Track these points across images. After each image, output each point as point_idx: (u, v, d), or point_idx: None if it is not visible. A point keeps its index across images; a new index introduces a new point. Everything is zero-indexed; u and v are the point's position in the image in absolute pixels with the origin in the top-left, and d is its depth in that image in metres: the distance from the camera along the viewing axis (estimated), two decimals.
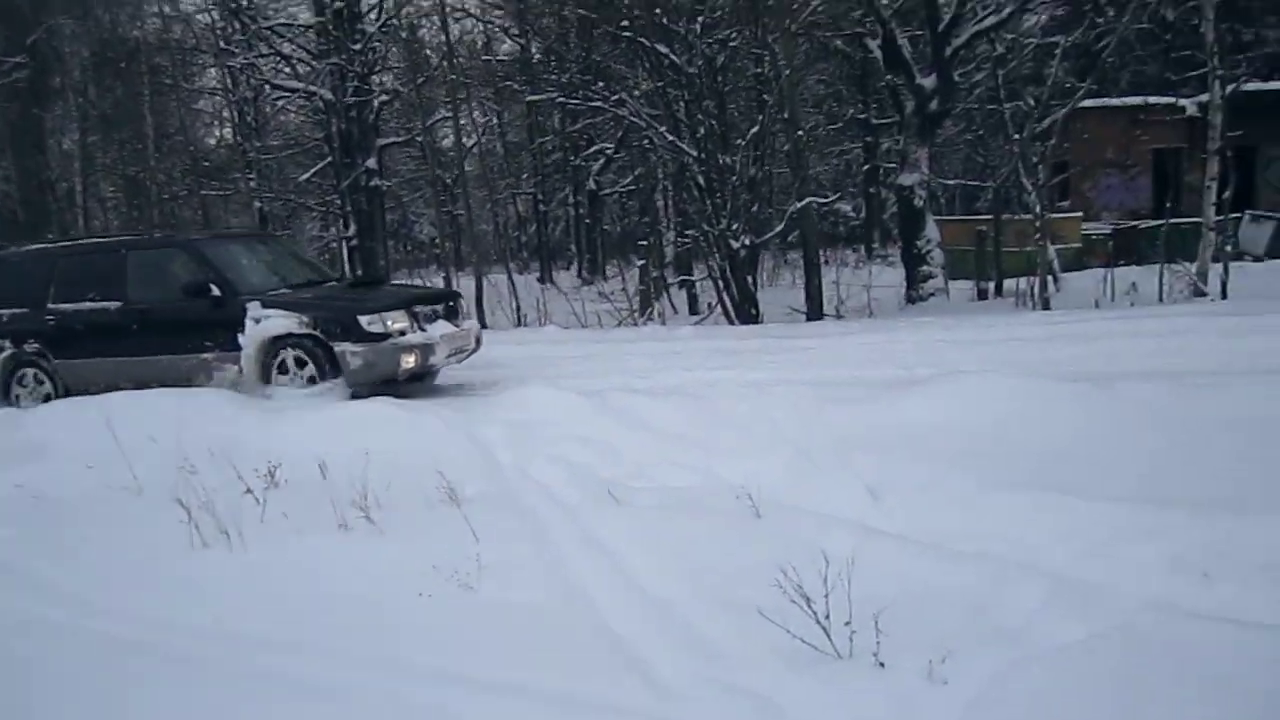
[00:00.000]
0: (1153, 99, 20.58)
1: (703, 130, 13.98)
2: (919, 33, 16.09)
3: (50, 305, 8.95)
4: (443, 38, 20.29)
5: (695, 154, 14.08)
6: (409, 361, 8.10)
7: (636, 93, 15.78)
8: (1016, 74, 17.40)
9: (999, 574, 3.68)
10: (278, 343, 8.19)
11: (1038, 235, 14.03)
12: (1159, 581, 3.59)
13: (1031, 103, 16.18)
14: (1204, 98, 15.48)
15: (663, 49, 13.99)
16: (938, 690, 2.98)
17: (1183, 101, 19.67)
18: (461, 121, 23.13)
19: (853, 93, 27.14)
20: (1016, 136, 15.59)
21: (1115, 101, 20.61)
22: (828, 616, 3.21)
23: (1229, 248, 13.96)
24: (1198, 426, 5.32)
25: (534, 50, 26.82)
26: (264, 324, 8.19)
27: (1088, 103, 17.91)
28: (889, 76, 15.78)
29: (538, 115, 28.09)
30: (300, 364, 8.17)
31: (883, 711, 2.93)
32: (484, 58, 28.17)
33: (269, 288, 8.70)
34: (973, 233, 16.96)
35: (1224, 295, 12.36)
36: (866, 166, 27.79)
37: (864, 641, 3.14)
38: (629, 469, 5.55)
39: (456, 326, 8.90)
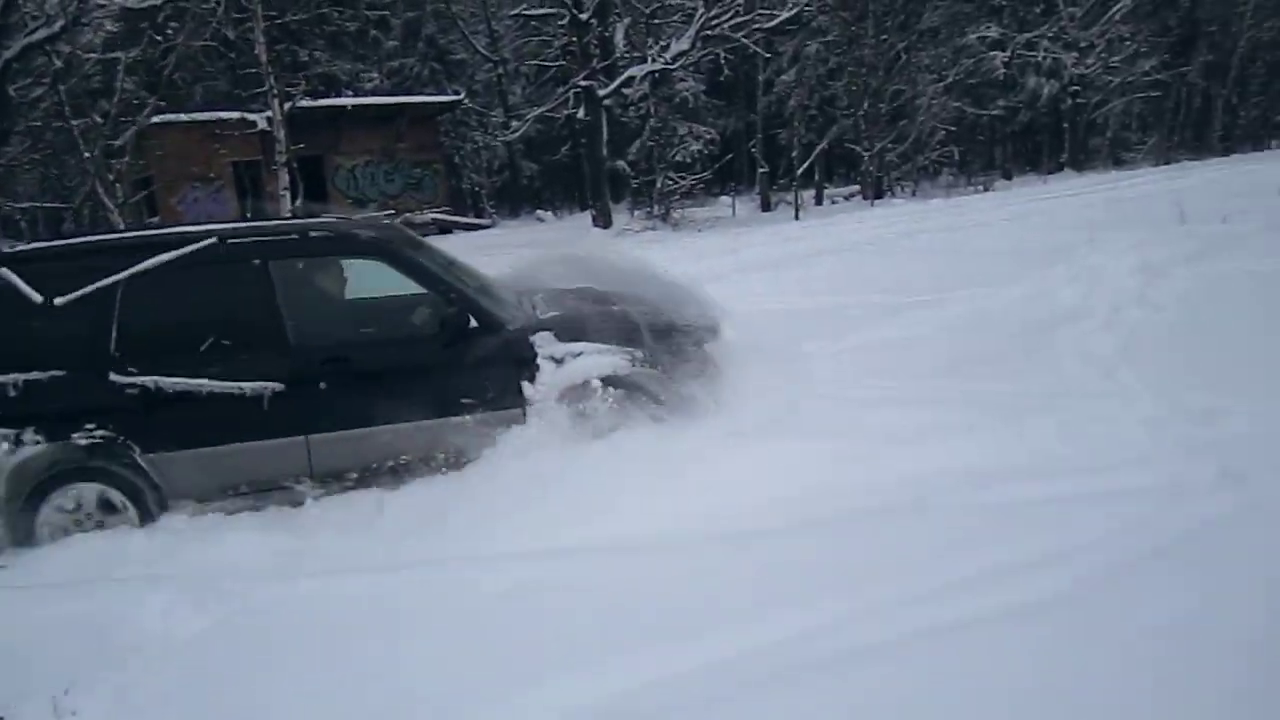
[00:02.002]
0: (226, 114, 22.06)
1: None
2: None
3: (120, 359, 4.94)
4: None
5: None
6: None
7: None
8: (82, 89, 17.23)
9: None
10: (584, 389, 5.37)
11: None
12: None
13: (100, 119, 16.28)
14: (269, 113, 17.18)
15: None
16: None
17: (253, 116, 21.43)
18: None
19: None
20: (88, 155, 15.57)
21: (190, 116, 21.65)
22: None
23: None
24: None
25: None
26: (572, 365, 5.38)
27: (163, 118, 18.57)
28: None
29: None
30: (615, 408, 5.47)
31: None
32: None
33: (512, 306, 5.76)
34: None
35: None
36: None
37: None
38: None
39: None
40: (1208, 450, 4.37)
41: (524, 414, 5.25)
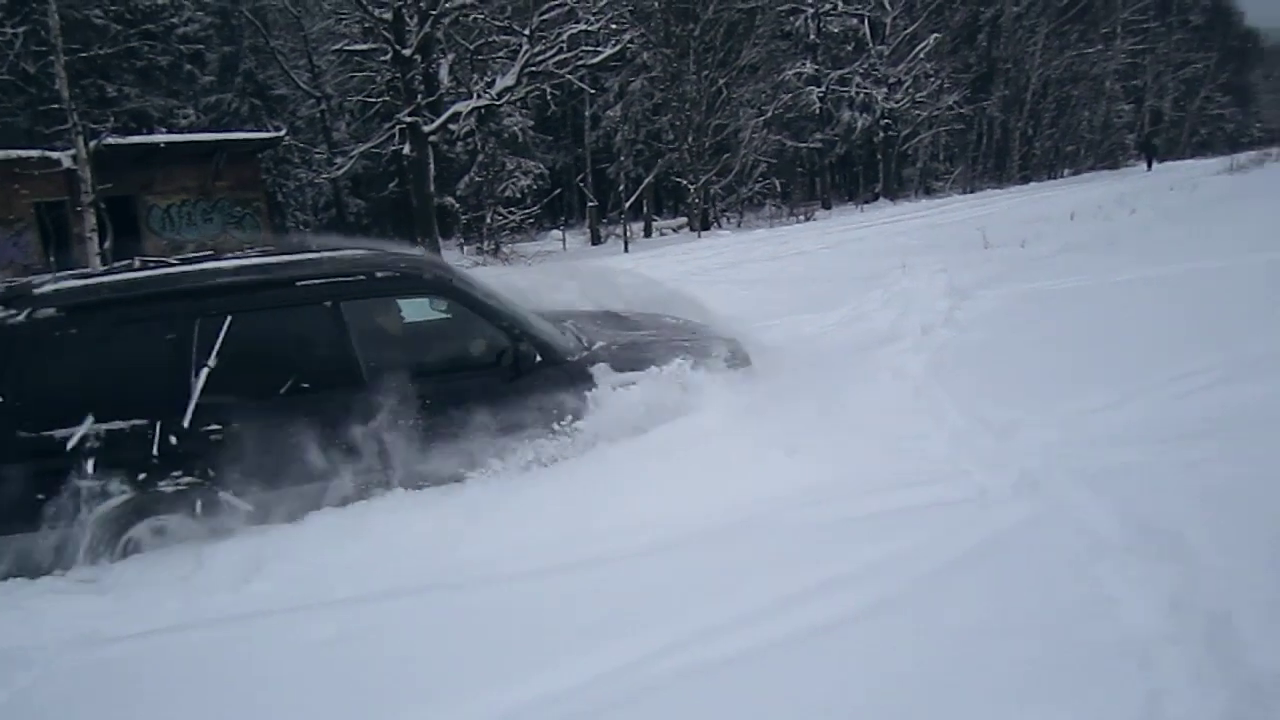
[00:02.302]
0: (26, 152, 20.94)
1: None
2: None
3: (202, 405, 4.70)
4: None
5: None
6: None
7: None
8: None
9: None
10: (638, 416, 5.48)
11: None
12: None
13: None
14: (74, 151, 16.50)
15: None
16: None
17: (57, 155, 20.44)
18: None
19: None
20: None
21: None
22: None
23: None
24: None
25: None
26: (629, 394, 5.42)
27: None
28: None
29: None
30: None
31: None
32: None
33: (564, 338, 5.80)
34: None
35: None
36: None
37: None
38: None
39: None
40: (1008, 461, 4.69)
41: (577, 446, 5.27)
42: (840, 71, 34.89)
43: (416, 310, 5.76)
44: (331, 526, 4.64)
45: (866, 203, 34.81)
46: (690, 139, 28.18)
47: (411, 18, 22.00)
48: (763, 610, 3.46)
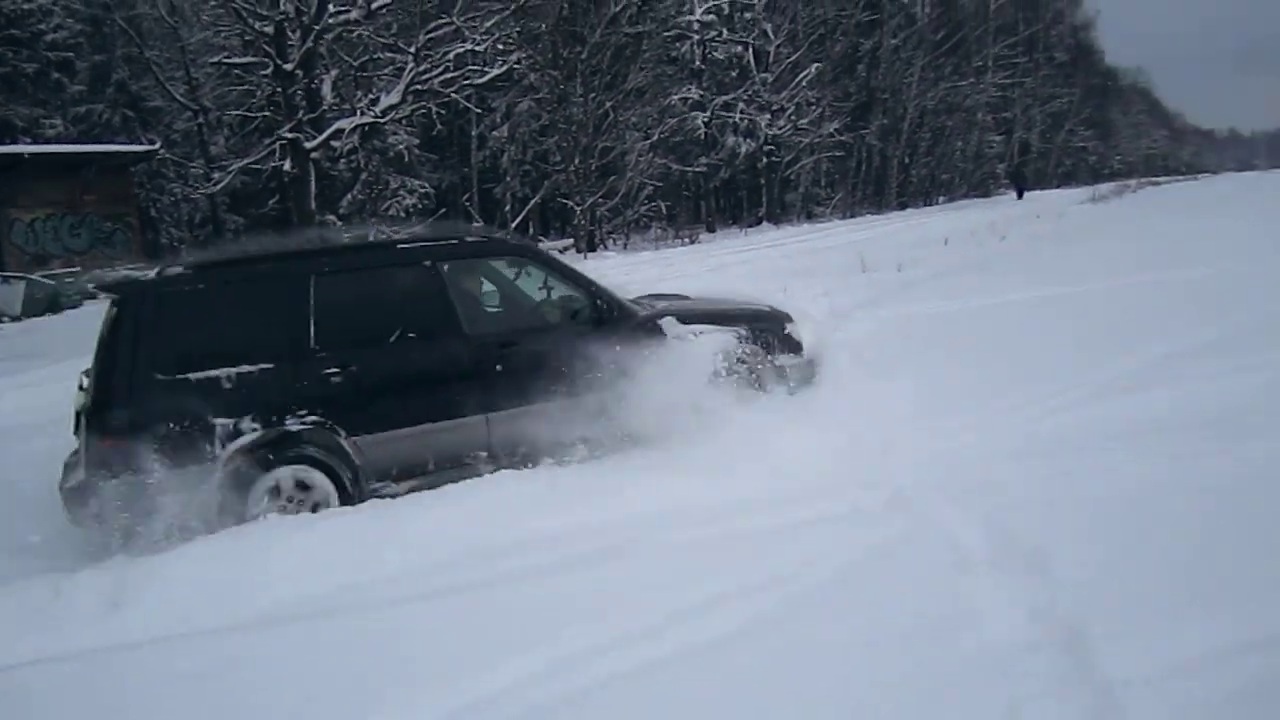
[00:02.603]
0: None
1: None
2: None
3: (320, 352, 5.27)
4: None
5: None
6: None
7: None
8: None
9: None
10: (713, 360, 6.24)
11: None
12: None
13: None
14: None
15: None
16: None
17: None
18: None
19: None
20: None
21: None
22: None
23: None
24: None
25: None
26: (695, 344, 6.21)
27: None
28: None
29: None
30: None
31: None
32: None
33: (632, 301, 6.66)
34: None
35: None
36: None
37: None
38: None
39: None
40: (883, 479, 4.85)
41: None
42: (725, 97, 35.62)
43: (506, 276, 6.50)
44: (205, 552, 4.55)
45: (750, 227, 35.53)
46: (577, 161, 28.38)
47: (294, 32, 21.63)
48: (641, 631, 3.51)
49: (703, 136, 34.97)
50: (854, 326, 9.28)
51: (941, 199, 46.09)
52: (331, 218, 26.03)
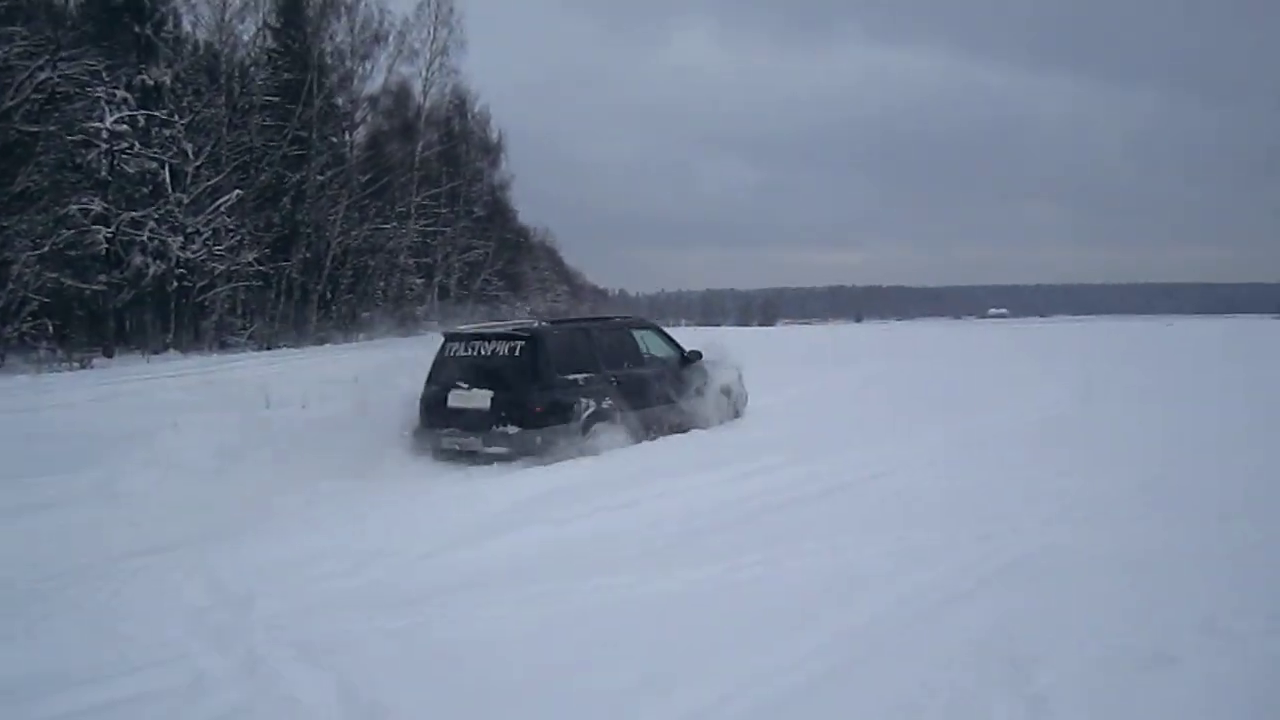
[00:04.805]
0: None
1: None
2: None
3: (606, 371, 12.13)
4: None
5: None
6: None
7: None
8: None
9: None
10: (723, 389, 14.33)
11: None
12: None
13: None
14: None
15: None
16: None
17: None
18: None
19: None
20: None
21: None
22: None
23: None
24: None
25: None
26: (719, 375, 14.15)
27: None
28: None
29: None
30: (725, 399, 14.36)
31: None
32: None
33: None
34: None
35: None
36: None
37: None
38: None
39: None
40: (236, 639, 4.90)
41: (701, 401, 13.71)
42: (134, 214, 33.69)
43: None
44: None
45: (156, 353, 33.61)
46: None
47: None
48: None
49: (105, 253, 32.68)
50: (244, 469, 9.73)
51: (361, 336, 47.32)
52: None
